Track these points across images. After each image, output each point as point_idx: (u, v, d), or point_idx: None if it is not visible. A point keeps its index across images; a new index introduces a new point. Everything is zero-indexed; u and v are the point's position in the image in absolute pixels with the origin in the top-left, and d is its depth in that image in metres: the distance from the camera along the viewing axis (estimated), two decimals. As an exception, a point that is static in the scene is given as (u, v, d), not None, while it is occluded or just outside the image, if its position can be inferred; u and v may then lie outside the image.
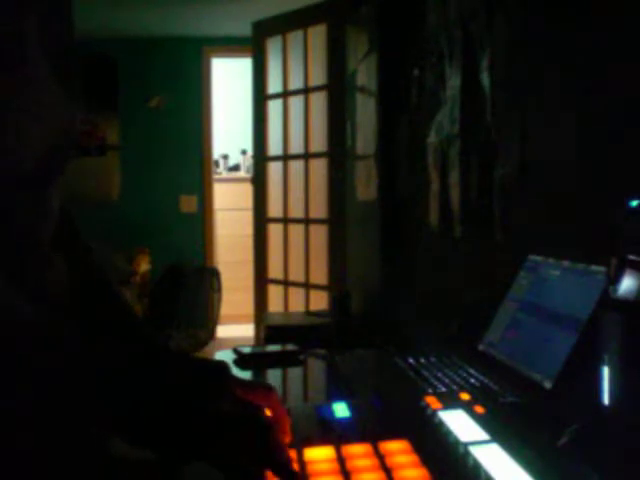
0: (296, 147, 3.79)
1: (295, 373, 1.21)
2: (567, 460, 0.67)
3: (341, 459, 0.68)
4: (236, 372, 1.13)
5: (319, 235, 3.63)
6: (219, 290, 4.66)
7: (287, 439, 0.70)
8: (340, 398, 0.87)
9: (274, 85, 3.92)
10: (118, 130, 5.05)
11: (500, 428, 0.74)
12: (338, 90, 3.41)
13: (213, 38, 4.98)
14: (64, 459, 0.64)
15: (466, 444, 0.70)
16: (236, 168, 5.97)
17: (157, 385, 0.63)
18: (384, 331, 2.56)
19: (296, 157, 3.78)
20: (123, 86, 4.98)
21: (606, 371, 0.71)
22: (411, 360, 1.14)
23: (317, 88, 3.61)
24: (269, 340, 2.80)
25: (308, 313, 3.26)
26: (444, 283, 2.02)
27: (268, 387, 0.71)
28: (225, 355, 1.24)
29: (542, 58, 1.37)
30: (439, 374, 1.04)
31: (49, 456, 0.63)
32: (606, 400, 0.71)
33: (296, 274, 3.80)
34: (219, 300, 4.64)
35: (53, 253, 0.62)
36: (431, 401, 0.85)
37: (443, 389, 0.96)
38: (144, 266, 4.74)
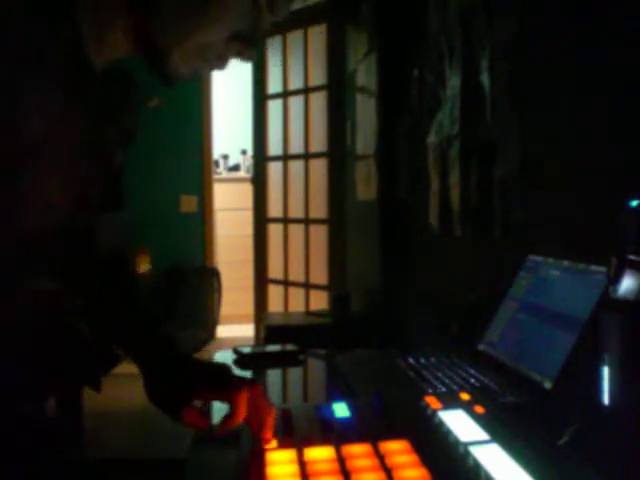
0: (296, 147, 3.78)
1: (295, 373, 1.21)
2: (567, 460, 0.67)
3: (341, 459, 0.68)
4: (236, 372, 1.12)
5: (319, 235, 3.62)
6: (219, 290, 4.66)
7: (269, 433, 0.73)
8: (340, 398, 0.87)
9: (274, 85, 3.92)
10: (118, 130, 5.04)
11: (500, 428, 0.74)
12: (338, 90, 3.41)
13: (213, 38, 4.97)
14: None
15: (466, 444, 0.70)
16: (236, 168, 5.96)
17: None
18: (384, 331, 2.56)
19: (296, 157, 3.78)
20: (123, 86, 4.97)
21: (606, 371, 0.71)
22: (411, 360, 1.13)
23: (317, 88, 3.61)
24: (269, 340, 2.80)
25: (308, 313, 3.26)
26: (444, 283, 2.02)
27: (254, 381, 0.78)
28: (225, 355, 1.24)
29: (542, 58, 1.37)
30: (439, 374, 1.04)
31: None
32: (606, 400, 0.71)
33: (296, 274, 3.80)
34: (219, 300, 4.64)
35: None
36: (431, 401, 0.85)
37: (443, 389, 0.96)
38: (144, 266, 4.74)
